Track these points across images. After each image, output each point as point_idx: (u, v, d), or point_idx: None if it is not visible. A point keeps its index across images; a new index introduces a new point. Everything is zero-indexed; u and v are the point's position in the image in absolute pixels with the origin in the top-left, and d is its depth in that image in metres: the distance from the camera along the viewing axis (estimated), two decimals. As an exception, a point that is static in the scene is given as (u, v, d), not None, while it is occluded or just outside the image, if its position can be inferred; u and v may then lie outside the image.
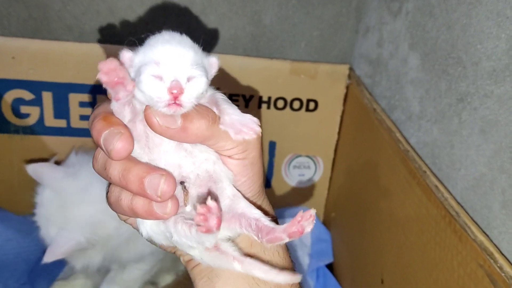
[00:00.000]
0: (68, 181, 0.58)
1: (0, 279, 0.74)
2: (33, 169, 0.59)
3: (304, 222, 0.33)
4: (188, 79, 0.28)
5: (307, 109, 0.84)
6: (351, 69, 0.81)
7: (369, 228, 0.72)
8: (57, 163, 0.64)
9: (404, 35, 0.65)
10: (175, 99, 0.27)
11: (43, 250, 0.80)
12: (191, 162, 0.33)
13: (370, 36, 0.76)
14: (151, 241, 0.36)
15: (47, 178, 0.59)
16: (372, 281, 0.68)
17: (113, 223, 0.59)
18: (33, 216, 0.64)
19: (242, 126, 0.30)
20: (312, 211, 0.33)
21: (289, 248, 0.41)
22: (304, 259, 0.87)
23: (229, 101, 0.34)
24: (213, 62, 0.32)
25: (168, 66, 0.28)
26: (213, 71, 0.32)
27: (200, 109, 0.31)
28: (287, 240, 0.34)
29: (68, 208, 0.58)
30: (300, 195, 0.90)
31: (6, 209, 0.84)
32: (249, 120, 0.31)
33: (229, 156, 0.34)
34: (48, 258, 0.56)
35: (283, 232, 0.34)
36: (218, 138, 0.32)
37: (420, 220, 0.56)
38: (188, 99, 0.28)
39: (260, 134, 0.33)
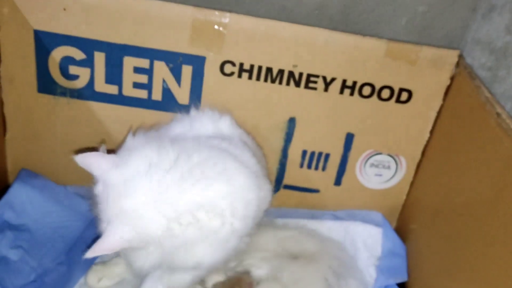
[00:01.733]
0: (114, 173, 0.53)
1: (35, 256, 0.68)
2: (82, 160, 0.55)
3: None
4: None
5: (398, 100, 0.71)
6: (461, 56, 0.67)
7: (462, 247, 0.60)
8: (110, 151, 0.57)
9: (558, 20, 0.50)
10: None
11: (84, 226, 0.74)
12: None
13: (496, 17, 0.61)
14: None
15: (95, 169, 0.53)
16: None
17: (161, 220, 0.52)
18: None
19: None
20: None
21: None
22: (369, 270, 0.76)
23: None
24: None
25: None
26: None
27: None
28: None
29: (112, 201, 0.52)
30: (374, 198, 0.79)
31: (47, 177, 0.78)
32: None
33: None
34: (89, 254, 0.50)
35: None
36: None
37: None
38: None
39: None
